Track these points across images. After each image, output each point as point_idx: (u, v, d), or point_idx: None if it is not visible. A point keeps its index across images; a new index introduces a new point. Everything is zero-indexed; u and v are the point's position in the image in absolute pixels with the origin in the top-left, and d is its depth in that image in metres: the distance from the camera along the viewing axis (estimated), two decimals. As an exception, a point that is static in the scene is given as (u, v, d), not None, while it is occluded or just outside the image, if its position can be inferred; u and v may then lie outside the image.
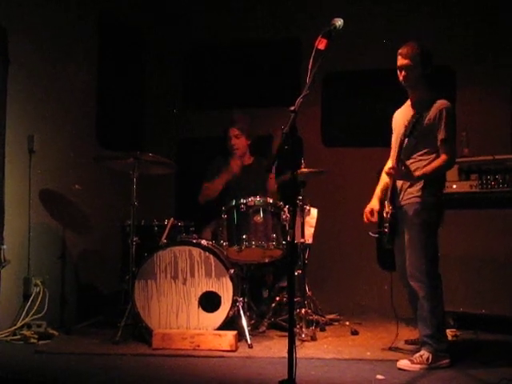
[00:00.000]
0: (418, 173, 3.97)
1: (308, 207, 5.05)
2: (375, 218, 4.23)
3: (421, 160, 4.03)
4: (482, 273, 4.86)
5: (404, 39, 4.16)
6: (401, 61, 4.10)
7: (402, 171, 3.95)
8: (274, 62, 6.55)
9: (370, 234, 4.19)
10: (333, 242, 6.10)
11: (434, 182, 4.02)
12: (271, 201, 4.88)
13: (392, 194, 4.09)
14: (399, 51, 4.11)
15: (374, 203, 4.29)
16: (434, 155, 4.01)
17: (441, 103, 4.02)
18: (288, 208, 4.82)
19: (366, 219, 4.28)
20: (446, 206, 4.17)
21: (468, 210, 4.95)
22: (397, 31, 5.85)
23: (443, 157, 3.96)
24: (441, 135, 3.97)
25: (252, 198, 4.84)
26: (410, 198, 4.04)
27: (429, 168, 3.97)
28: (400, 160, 3.95)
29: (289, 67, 6.42)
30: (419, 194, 4.01)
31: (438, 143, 3.98)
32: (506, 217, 4.83)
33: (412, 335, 4.44)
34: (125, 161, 4.87)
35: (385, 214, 4.12)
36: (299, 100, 3.20)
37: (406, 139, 3.96)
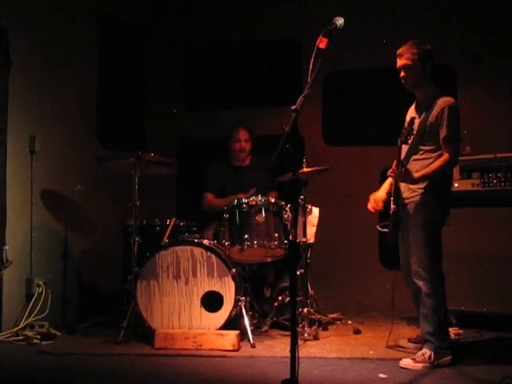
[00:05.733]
0: (417, 174, 3.94)
1: (310, 206, 5.04)
2: (380, 206, 4.19)
3: (425, 158, 4.01)
4: (484, 271, 4.87)
5: (405, 37, 4.15)
6: (399, 62, 4.09)
7: (401, 174, 3.92)
8: (275, 62, 6.54)
9: (378, 227, 4.18)
10: (335, 241, 6.09)
11: (438, 180, 4.01)
12: (273, 200, 4.89)
13: (395, 193, 4.09)
14: (397, 52, 4.09)
15: (381, 193, 4.25)
16: (439, 152, 3.99)
17: (444, 101, 4.00)
18: (290, 207, 4.82)
19: (371, 207, 4.25)
20: (451, 205, 4.16)
21: (470, 209, 4.94)
22: (398, 30, 5.85)
23: (445, 156, 3.94)
24: (442, 134, 3.95)
25: (254, 197, 4.85)
26: (413, 196, 4.04)
27: (429, 169, 3.95)
28: (400, 162, 3.92)
29: (290, 66, 6.42)
30: (423, 191, 4.00)
31: (440, 142, 3.96)
32: (508, 215, 4.83)
33: (415, 334, 4.44)
34: (126, 161, 4.86)
35: (390, 211, 4.11)
36: (300, 99, 3.19)
37: (403, 145, 3.94)
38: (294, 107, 3.17)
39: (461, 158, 4.82)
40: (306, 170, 4.93)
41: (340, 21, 3.31)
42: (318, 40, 3.26)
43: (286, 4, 6.49)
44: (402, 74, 4.09)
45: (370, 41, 6.10)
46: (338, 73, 6.23)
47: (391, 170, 3.99)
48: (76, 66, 5.53)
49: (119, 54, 6.16)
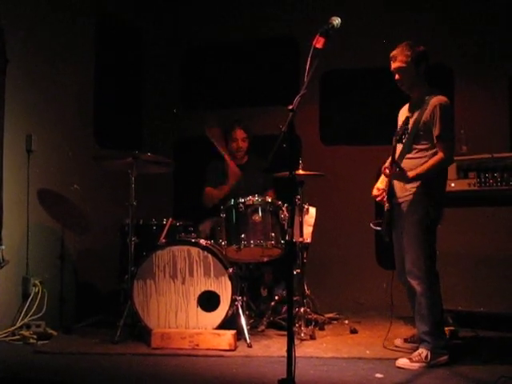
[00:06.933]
0: (412, 173, 3.94)
1: (307, 206, 5.04)
2: (382, 195, 4.18)
3: (419, 157, 4.02)
4: (480, 271, 4.87)
5: (402, 37, 4.15)
6: (394, 64, 4.10)
7: (396, 173, 3.93)
8: (273, 61, 6.54)
9: (371, 225, 4.18)
10: (331, 240, 6.09)
11: (432, 179, 4.01)
12: (270, 200, 4.89)
13: (390, 191, 4.09)
14: (391, 54, 4.11)
15: (380, 185, 4.24)
16: (433, 151, 3.99)
17: (436, 99, 4.00)
18: (287, 207, 4.82)
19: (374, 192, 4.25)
20: (445, 204, 4.16)
21: (466, 208, 4.95)
22: (398, 30, 5.85)
23: (439, 154, 3.95)
24: (436, 132, 3.96)
25: (250, 197, 4.85)
26: (407, 195, 4.04)
27: (424, 167, 3.95)
28: (394, 162, 3.93)
29: (287, 66, 6.41)
30: (417, 191, 4.00)
31: (434, 140, 3.97)
32: (505, 215, 4.84)
33: (411, 333, 4.44)
34: (123, 160, 4.86)
35: (385, 209, 4.11)
36: (297, 98, 3.19)
37: (398, 144, 3.95)
38: (290, 107, 3.18)
39: (458, 158, 4.85)
40: (301, 172, 4.91)
41: (337, 20, 3.32)
42: (315, 39, 3.26)
43: (286, 4, 6.50)
44: (397, 76, 4.10)
45: (369, 41, 6.10)
46: (335, 72, 6.24)
47: (385, 167, 4.01)
48: (75, 66, 5.52)
49: (118, 54, 6.15)
